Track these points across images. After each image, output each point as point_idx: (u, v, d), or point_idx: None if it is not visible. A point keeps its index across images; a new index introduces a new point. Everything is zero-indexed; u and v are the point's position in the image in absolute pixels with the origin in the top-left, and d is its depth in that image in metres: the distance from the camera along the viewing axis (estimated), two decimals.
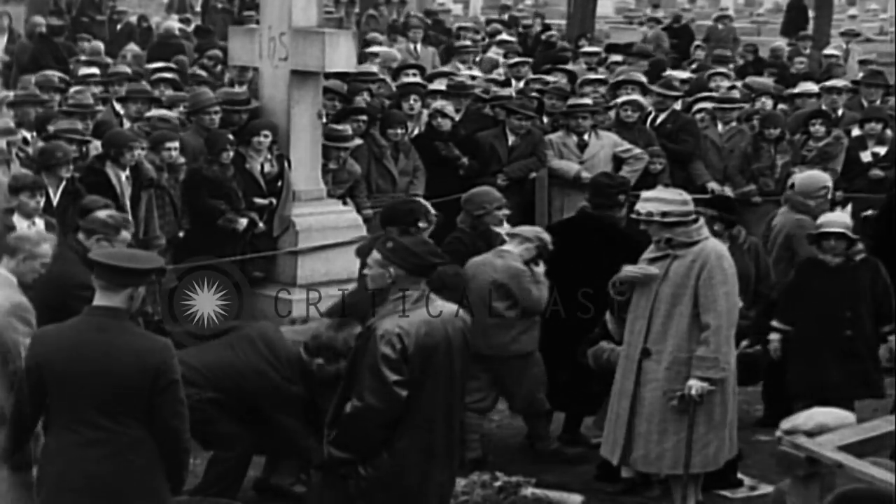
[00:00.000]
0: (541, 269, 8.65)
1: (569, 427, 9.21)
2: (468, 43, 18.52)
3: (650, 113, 13.29)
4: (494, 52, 17.67)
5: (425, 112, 12.71)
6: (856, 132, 13.04)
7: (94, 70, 14.28)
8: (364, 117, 12.05)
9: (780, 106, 14.40)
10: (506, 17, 25.68)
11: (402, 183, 11.93)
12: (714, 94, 14.26)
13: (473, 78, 14.63)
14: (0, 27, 19.30)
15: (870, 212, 11.62)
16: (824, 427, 6.02)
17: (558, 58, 17.99)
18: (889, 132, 12.96)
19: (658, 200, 7.88)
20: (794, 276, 9.10)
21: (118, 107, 12.24)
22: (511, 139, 12.43)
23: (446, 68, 16.26)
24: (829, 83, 14.55)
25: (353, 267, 8.98)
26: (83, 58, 16.64)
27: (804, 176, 10.41)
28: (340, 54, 10.83)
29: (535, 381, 8.80)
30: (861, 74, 15.99)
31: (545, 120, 13.32)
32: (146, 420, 5.79)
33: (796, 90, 14.72)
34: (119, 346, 5.76)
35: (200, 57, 17.33)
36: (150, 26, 22.46)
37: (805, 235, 9.25)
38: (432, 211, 8.79)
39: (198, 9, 26.19)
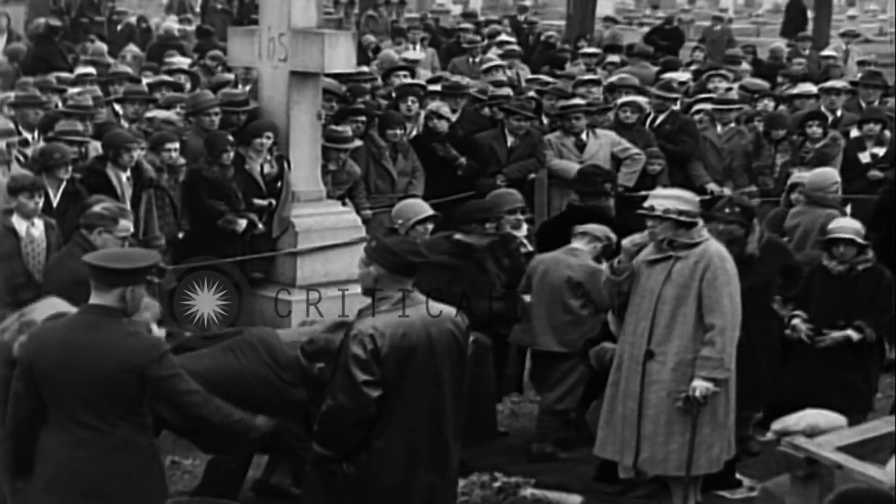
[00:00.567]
0: (605, 266, 8.67)
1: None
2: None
3: (649, 114, 13.30)
4: (494, 53, 17.65)
5: (423, 113, 12.72)
6: (854, 133, 13.04)
7: (91, 70, 14.29)
8: (363, 118, 12.06)
9: (780, 107, 14.41)
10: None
11: (400, 184, 11.93)
12: (713, 95, 14.28)
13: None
14: None
15: None
16: (815, 428, 6.04)
17: (556, 58, 18.01)
18: (888, 133, 12.96)
19: (677, 199, 7.84)
20: (805, 278, 8.99)
21: (118, 107, 12.26)
22: (510, 140, 12.43)
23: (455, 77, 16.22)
24: (827, 84, 14.55)
25: (353, 268, 8.93)
26: (84, 57, 16.66)
27: (815, 173, 10.51)
28: (340, 55, 10.82)
29: (581, 379, 8.89)
30: (860, 75, 16.00)
31: (544, 121, 13.33)
32: (136, 420, 5.79)
33: (795, 91, 14.72)
34: (106, 344, 5.76)
35: (201, 57, 17.33)
36: (150, 27, 22.48)
37: (815, 241, 9.25)
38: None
39: (197, 9, 26.18)
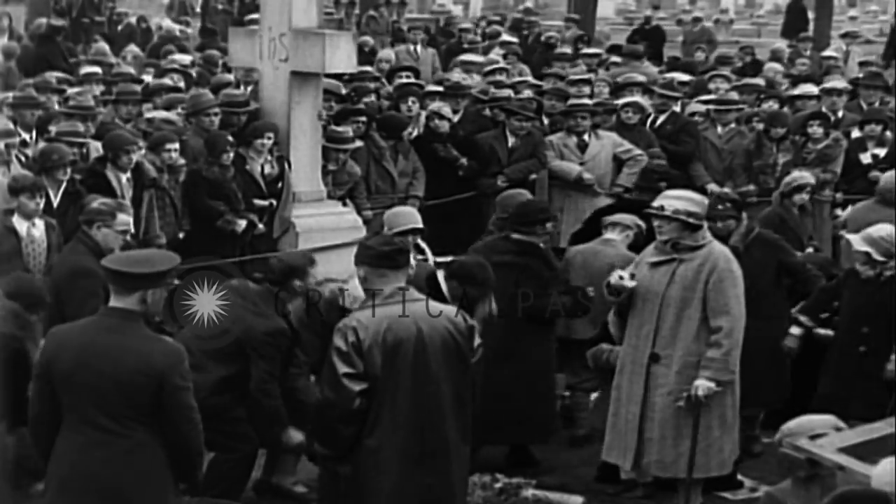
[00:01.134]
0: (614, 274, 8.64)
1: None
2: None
3: (650, 115, 13.29)
4: (495, 54, 17.65)
5: (423, 113, 12.71)
6: (855, 134, 13.03)
7: (97, 69, 14.29)
8: (363, 118, 12.06)
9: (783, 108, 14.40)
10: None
11: (401, 184, 11.93)
12: (713, 95, 14.28)
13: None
14: (0, 27, 19.29)
15: None
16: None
17: (555, 59, 17.97)
18: (889, 134, 12.96)
19: (688, 200, 7.80)
20: (837, 280, 8.87)
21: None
22: (511, 140, 12.43)
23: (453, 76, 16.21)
24: (828, 84, 14.53)
25: (353, 268, 8.96)
26: (84, 57, 16.65)
27: (889, 175, 10.58)
28: (341, 55, 10.83)
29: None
30: (861, 76, 15.99)
31: (545, 121, 13.32)
32: (152, 424, 5.76)
33: (796, 92, 14.71)
34: (126, 348, 5.74)
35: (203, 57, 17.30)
36: (150, 27, 22.47)
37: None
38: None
39: (198, 10, 26.19)
